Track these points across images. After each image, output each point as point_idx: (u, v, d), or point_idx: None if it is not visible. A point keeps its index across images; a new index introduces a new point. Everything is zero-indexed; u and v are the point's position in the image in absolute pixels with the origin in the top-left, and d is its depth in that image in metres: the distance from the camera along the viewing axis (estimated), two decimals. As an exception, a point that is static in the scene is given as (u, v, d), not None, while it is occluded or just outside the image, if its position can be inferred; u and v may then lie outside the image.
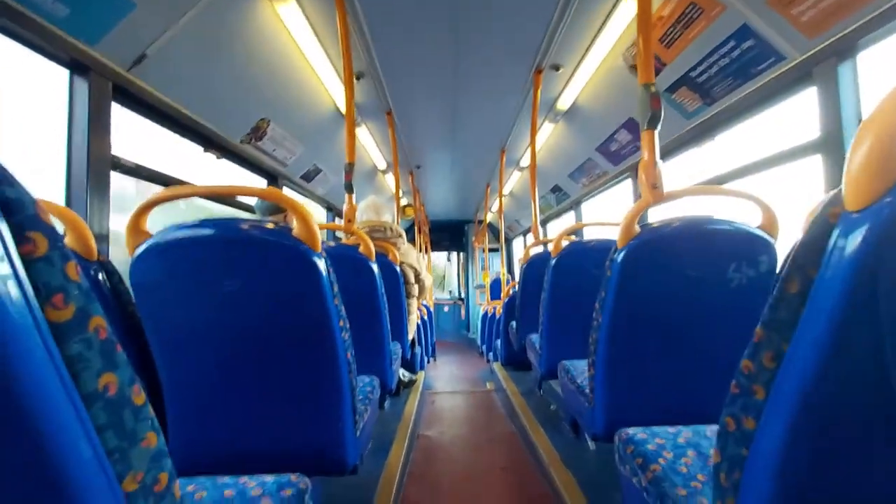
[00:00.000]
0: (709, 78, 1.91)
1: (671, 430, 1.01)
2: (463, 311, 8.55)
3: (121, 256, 1.08)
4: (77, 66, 1.42)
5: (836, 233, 0.41)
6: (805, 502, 0.48)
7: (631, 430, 1.02)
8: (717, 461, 0.57)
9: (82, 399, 0.35)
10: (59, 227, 0.99)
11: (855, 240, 0.39)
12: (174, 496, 0.45)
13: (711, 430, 1.00)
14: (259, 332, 0.98)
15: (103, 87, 1.48)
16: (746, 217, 1.13)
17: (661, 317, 1.18)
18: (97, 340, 0.36)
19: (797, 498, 0.48)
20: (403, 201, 6.02)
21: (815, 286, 0.43)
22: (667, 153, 2.44)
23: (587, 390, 1.36)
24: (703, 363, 1.17)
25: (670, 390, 1.22)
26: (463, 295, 8.68)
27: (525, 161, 4.34)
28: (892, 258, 0.38)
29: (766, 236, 1.07)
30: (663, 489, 0.81)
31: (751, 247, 1.08)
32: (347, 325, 1.07)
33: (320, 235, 0.97)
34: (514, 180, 5.23)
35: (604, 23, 2.15)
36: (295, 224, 0.95)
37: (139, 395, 0.41)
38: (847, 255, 0.40)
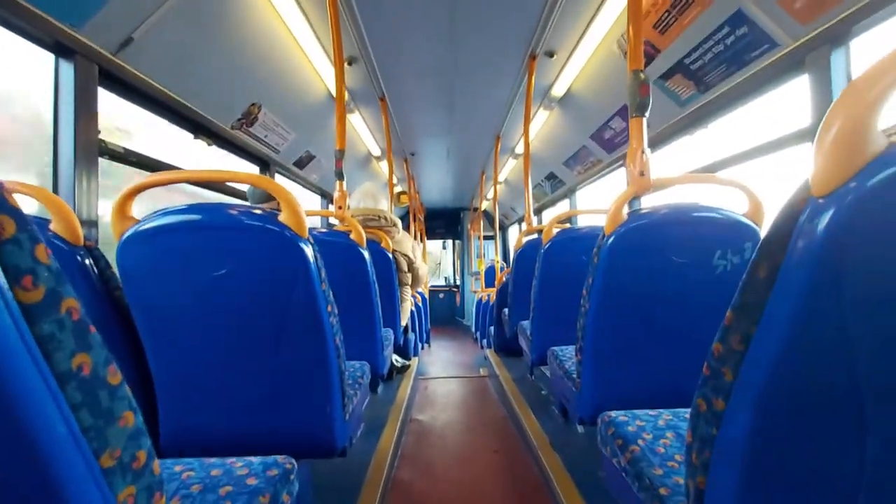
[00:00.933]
0: (703, 65, 1.91)
1: (652, 413, 1.03)
2: (458, 298, 8.59)
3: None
4: (62, 49, 1.40)
5: (802, 218, 0.42)
6: (771, 481, 0.49)
7: (613, 414, 1.04)
8: (690, 441, 0.59)
9: (56, 378, 0.35)
10: (45, 213, 0.98)
11: (819, 225, 0.40)
12: (153, 473, 0.46)
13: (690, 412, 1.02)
14: (247, 316, 0.99)
15: (89, 71, 1.46)
16: (740, 205, 1.14)
17: (647, 303, 1.19)
18: (70, 321, 0.37)
19: (763, 477, 0.49)
20: (398, 188, 6.00)
21: (781, 271, 0.44)
22: (661, 141, 2.44)
23: (575, 375, 1.39)
24: (688, 348, 1.19)
25: (655, 375, 1.24)
26: (458, 282, 8.71)
27: (520, 148, 4.33)
28: (855, 243, 0.39)
29: (751, 224, 1.08)
30: (640, 468, 0.83)
31: (736, 234, 1.09)
32: (336, 311, 1.08)
33: (313, 222, 0.97)
34: (508, 168, 5.22)
35: (598, 9, 2.13)
36: (282, 210, 0.95)
37: (115, 376, 0.41)
38: (811, 241, 0.40)
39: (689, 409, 1.04)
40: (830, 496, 0.48)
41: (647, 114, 1.29)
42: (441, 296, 8.68)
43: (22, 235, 0.34)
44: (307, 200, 3.98)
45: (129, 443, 0.42)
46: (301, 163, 3.32)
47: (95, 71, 1.48)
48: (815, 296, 0.41)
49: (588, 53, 2.49)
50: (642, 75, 1.28)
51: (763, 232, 1.10)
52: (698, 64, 1.92)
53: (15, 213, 0.34)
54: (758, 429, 0.48)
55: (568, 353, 1.67)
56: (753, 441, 0.49)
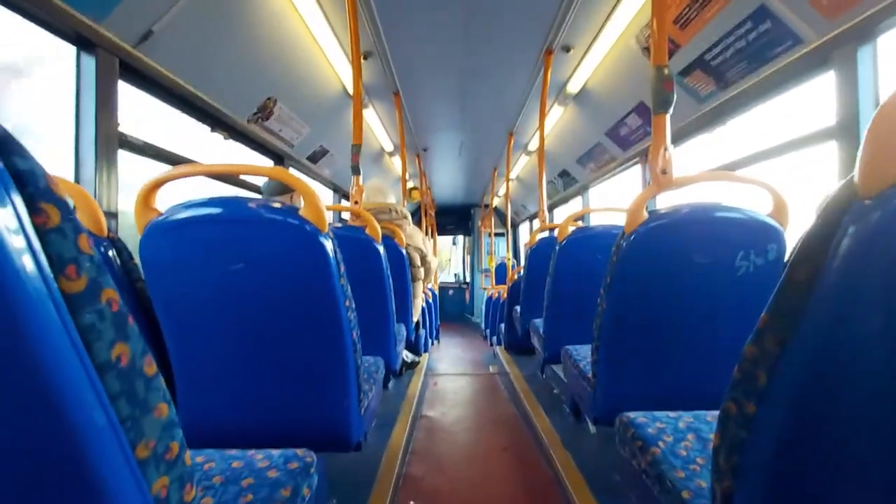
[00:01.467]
0: (724, 61, 1.87)
1: (672, 414, 1.02)
2: (467, 295, 8.58)
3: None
4: (84, 42, 1.41)
5: (846, 220, 0.41)
6: (803, 489, 0.48)
7: (632, 415, 1.03)
8: (717, 444, 0.58)
9: (95, 368, 0.35)
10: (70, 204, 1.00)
11: (865, 227, 0.38)
12: (185, 464, 0.46)
13: (712, 415, 1.01)
14: (266, 310, 1.00)
15: (110, 63, 1.48)
16: (761, 205, 1.12)
17: (666, 304, 1.18)
18: (109, 312, 0.37)
19: (795, 484, 0.48)
20: (410, 184, 6.00)
21: (823, 274, 0.43)
22: (678, 138, 2.41)
23: (589, 375, 1.38)
24: (707, 350, 1.17)
25: (673, 376, 1.23)
26: (468, 279, 8.70)
27: (533, 145, 4.30)
28: None
29: (775, 224, 1.06)
30: (662, 471, 0.82)
31: (760, 235, 1.07)
32: (353, 306, 1.08)
33: (328, 217, 0.98)
34: (521, 164, 5.19)
35: (616, 3, 2.10)
36: (302, 204, 0.95)
37: (150, 366, 0.42)
38: (856, 243, 0.39)
39: (709, 412, 1.04)
40: None
41: (670, 110, 1.27)
42: (451, 292, 8.69)
43: (66, 225, 0.34)
44: (320, 195, 4.00)
45: (163, 434, 0.43)
46: (314, 157, 3.33)
47: (116, 64, 1.50)
48: (858, 300, 0.40)
49: (605, 49, 2.46)
50: (666, 70, 1.25)
51: (787, 233, 1.08)
52: (719, 60, 1.88)
53: (60, 202, 0.34)
54: (792, 434, 0.47)
55: (582, 352, 1.66)
56: (786, 447, 0.48)
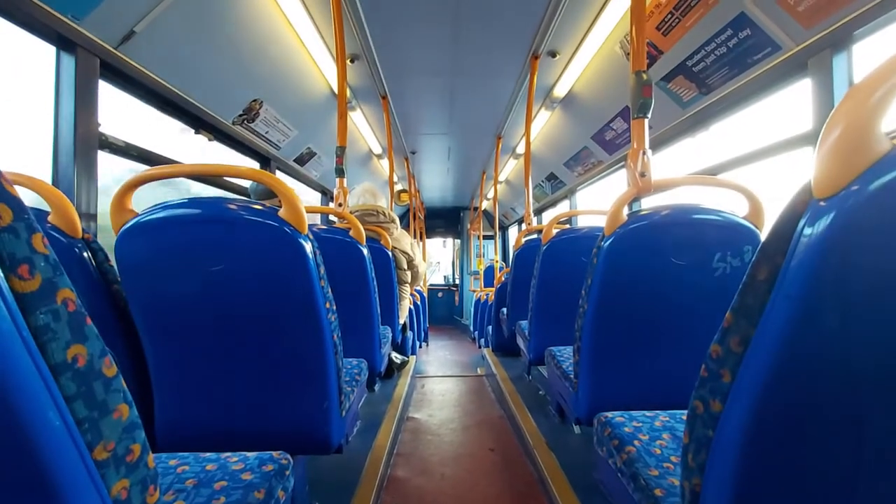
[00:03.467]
0: (705, 67, 1.90)
1: (649, 414, 1.03)
2: (457, 298, 8.59)
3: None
4: (63, 42, 1.39)
5: (802, 221, 0.42)
6: (767, 484, 0.49)
7: (610, 414, 1.04)
8: (686, 442, 0.59)
9: (50, 369, 0.35)
10: (44, 205, 0.98)
11: (820, 227, 0.40)
12: (147, 466, 0.45)
13: (687, 414, 1.02)
14: (245, 312, 0.99)
15: (90, 64, 1.46)
16: (741, 208, 1.14)
17: (646, 304, 1.19)
18: (65, 312, 0.37)
19: (759, 479, 0.49)
20: (398, 187, 6.00)
21: (782, 273, 0.44)
22: (662, 142, 2.44)
23: (572, 375, 1.38)
24: (686, 350, 1.19)
25: (653, 377, 1.24)
26: (457, 281, 8.71)
27: (521, 148, 4.33)
28: (856, 246, 0.39)
29: (751, 226, 1.08)
30: (636, 469, 0.83)
31: (736, 236, 1.08)
32: (334, 308, 1.08)
33: (313, 219, 0.97)
34: (509, 168, 5.22)
35: (601, 10, 2.13)
36: (282, 206, 0.95)
37: (110, 368, 0.41)
38: (812, 243, 0.40)
39: (685, 411, 1.05)
40: (827, 500, 0.48)
41: (649, 115, 1.28)
42: (440, 294, 8.68)
43: (19, 224, 0.34)
44: (308, 197, 3.98)
45: (124, 435, 0.42)
46: (302, 160, 3.31)
47: (97, 64, 1.48)
48: (815, 299, 0.41)
49: (591, 54, 2.49)
50: (645, 76, 1.27)
51: (763, 235, 1.10)
52: (700, 66, 1.92)
53: (13, 201, 0.34)
54: (755, 431, 0.48)
55: (565, 354, 1.67)
56: (750, 443, 0.48)
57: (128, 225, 0.92)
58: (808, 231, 0.41)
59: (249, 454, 0.85)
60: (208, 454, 0.85)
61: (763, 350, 0.46)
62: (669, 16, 1.87)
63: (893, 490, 0.46)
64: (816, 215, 0.40)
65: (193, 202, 0.93)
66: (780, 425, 0.47)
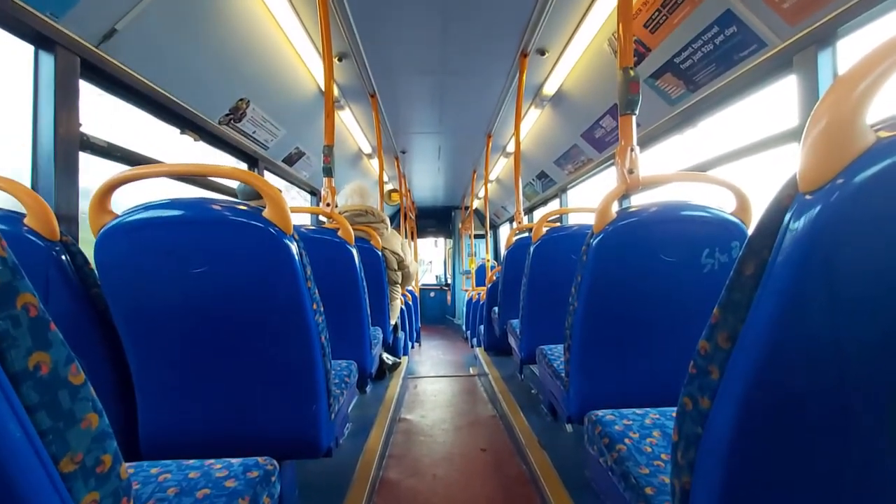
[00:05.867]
0: (692, 64, 1.91)
1: (639, 411, 1.03)
2: (449, 297, 8.58)
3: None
4: (42, 40, 1.36)
5: (788, 215, 0.41)
6: (756, 481, 0.49)
7: (600, 412, 1.04)
8: (676, 440, 0.58)
9: (9, 378, 0.33)
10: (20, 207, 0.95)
11: (806, 221, 0.39)
12: (119, 478, 0.44)
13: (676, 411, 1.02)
14: (229, 314, 0.97)
15: (70, 63, 1.43)
16: (729, 204, 1.14)
17: (635, 301, 1.19)
18: (26, 318, 0.35)
19: (748, 476, 0.49)
20: (389, 186, 5.97)
21: (768, 268, 0.43)
22: (651, 140, 2.45)
23: (563, 374, 1.38)
24: (675, 347, 1.19)
25: (643, 374, 1.24)
26: (449, 281, 8.70)
27: (511, 147, 4.34)
28: (842, 240, 0.38)
29: (738, 222, 1.08)
30: (627, 468, 0.82)
31: (724, 232, 1.09)
32: (321, 309, 1.06)
33: (303, 219, 0.96)
34: (500, 166, 5.22)
35: (589, 7, 2.13)
36: (266, 206, 0.93)
37: (77, 375, 0.40)
38: (798, 237, 0.40)
39: (674, 408, 1.05)
40: (815, 495, 0.47)
41: (636, 111, 1.28)
42: (432, 294, 8.67)
43: None
44: (297, 198, 3.95)
45: (93, 446, 0.40)
46: (290, 160, 3.28)
47: (77, 63, 1.44)
48: (802, 293, 0.41)
49: (579, 52, 2.49)
50: (632, 72, 1.27)
51: (750, 230, 1.10)
52: (688, 63, 1.92)
53: None
54: (743, 428, 0.47)
55: (556, 352, 1.67)
56: (739, 440, 0.48)
57: (107, 227, 0.90)
58: (794, 225, 0.41)
59: (234, 461, 0.83)
60: (191, 461, 0.83)
61: (750, 345, 0.46)
62: (657, 13, 1.87)
63: (881, 485, 0.46)
64: (802, 209, 0.40)
65: (175, 202, 0.91)
66: (768, 421, 0.47)
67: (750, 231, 0.48)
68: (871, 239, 0.37)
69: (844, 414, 0.44)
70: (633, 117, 1.28)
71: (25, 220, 0.93)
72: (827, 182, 0.38)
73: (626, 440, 0.90)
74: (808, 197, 0.40)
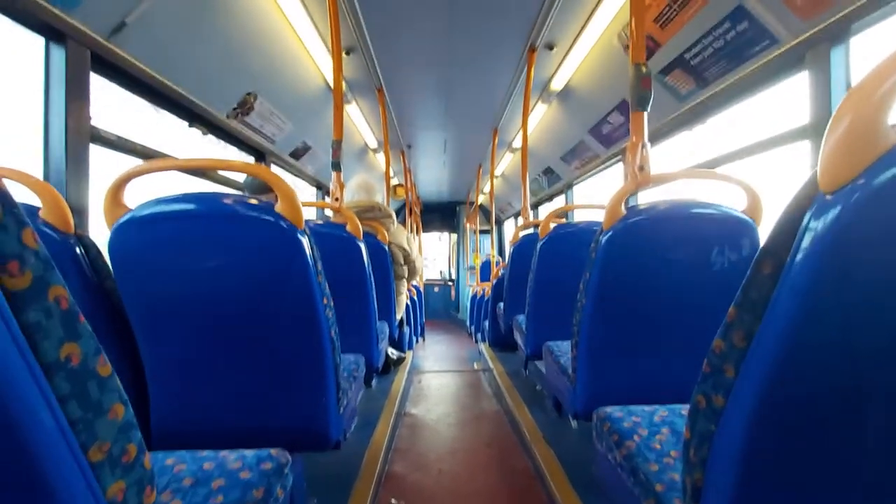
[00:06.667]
0: (702, 60, 1.89)
1: (648, 408, 1.03)
2: (453, 293, 8.59)
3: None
4: (53, 33, 1.36)
5: (808, 214, 0.41)
6: (769, 479, 0.49)
7: (609, 409, 1.04)
8: (688, 438, 0.59)
9: (42, 368, 0.34)
10: (36, 201, 0.96)
11: (826, 221, 0.39)
12: (144, 466, 0.45)
13: (687, 409, 1.02)
14: (241, 308, 0.98)
15: (81, 56, 1.43)
16: (738, 202, 1.14)
17: (644, 299, 1.19)
18: (58, 310, 0.36)
19: (762, 475, 0.49)
20: (394, 181, 5.97)
21: (787, 268, 0.43)
22: (660, 136, 2.43)
23: (570, 370, 1.38)
24: (684, 345, 1.19)
25: (651, 371, 1.24)
26: (454, 276, 8.71)
27: (517, 142, 4.32)
28: (862, 240, 0.38)
29: (749, 220, 1.08)
30: (636, 464, 0.83)
31: (734, 230, 1.08)
32: (331, 304, 1.07)
33: (309, 214, 0.96)
34: (506, 162, 5.20)
35: (599, 2, 2.11)
36: (278, 200, 0.93)
37: (105, 367, 0.40)
38: (818, 237, 0.40)
39: (685, 405, 1.05)
40: (830, 495, 0.48)
41: (648, 108, 1.28)
42: (436, 289, 8.68)
43: (8, 219, 0.33)
44: (303, 192, 3.95)
45: (119, 436, 0.41)
46: (297, 154, 3.28)
47: (88, 56, 1.45)
48: (820, 293, 0.41)
49: (588, 47, 2.47)
50: (644, 68, 1.26)
51: (761, 229, 1.10)
52: (698, 59, 1.91)
53: (1, 195, 0.32)
54: (758, 426, 0.48)
55: (563, 348, 1.67)
56: (753, 439, 0.48)
57: (121, 220, 0.91)
58: (813, 225, 0.40)
59: (247, 452, 0.84)
60: (205, 452, 0.84)
61: (767, 344, 0.46)
62: (667, 8, 1.86)
63: (894, 486, 0.46)
64: (822, 209, 0.40)
65: (188, 197, 0.92)
66: (783, 420, 0.47)
67: (762, 229, 0.48)
68: (892, 240, 0.37)
69: (859, 414, 0.44)
70: (645, 114, 1.28)
71: (40, 214, 0.94)
72: (848, 182, 0.38)
73: (636, 437, 0.90)
74: (828, 197, 0.39)
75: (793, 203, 0.45)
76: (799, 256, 0.42)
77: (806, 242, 0.41)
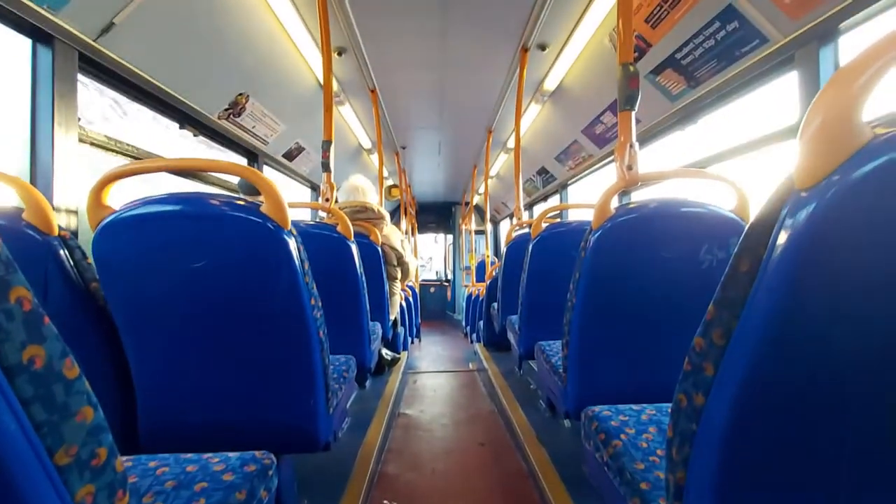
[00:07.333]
0: (693, 60, 1.90)
1: (636, 407, 1.03)
2: (449, 293, 8.59)
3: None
4: (40, 34, 1.35)
5: (784, 212, 0.41)
6: (750, 477, 0.49)
7: (597, 408, 1.04)
8: (670, 436, 0.58)
9: (3, 371, 0.33)
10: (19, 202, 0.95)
11: (801, 218, 0.39)
12: (115, 470, 0.44)
13: None
14: (228, 309, 0.97)
15: (69, 57, 1.42)
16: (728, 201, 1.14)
17: (633, 298, 1.19)
18: (20, 311, 0.35)
19: (742, 473, 0.49)
20: (389, 182, 5.96)
21: (763, 265, 0.43)
22: (652, 136, 2.44)
23: (561, 370, 1.38)
24: (673, 343, 1.18)
25: (641, 370, 1.24)
26: (449, 276, 8.71)
27: (512, 142, 4.33)
28: (837, 237, 0.38)
29: (737, 219, 1.08)
30: (622, 463, 0.82)
31: (722, 229, 1.08)
32: (319, 304, 1.06)
33: (303, 214, 0.96)
34: (500, 162, 5.21)
35: (590, 2, 2.12)
36: (264, 201, 0.93)
37: (72, 369, 0.40)
38: (793, 234, 0.40)
39: (671, 404, 1.05)
40: (809, 492, 0.48)
41: (636, 107, 1.28)
42: (432, 290, 8.68)
43: None
44: (297, 193, 3.94)
45: (88, 439, 0.41)
46: (290, 155, 3.27)
47: (75, 57, 1.44)
48: (797, 290, 0.41)
49: (580, 47, 2.48)
50: (632, 68, 1.27)
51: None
52: (689, 59, 1.91)
53: None
54: (737, 424, 0.48)
55: (555, 348, 1.67)
56: (732, 436, 0.48)
57: (105, 221, 0.90)
58: (789, 222, 0.40)
59: (231, 454, 0.83)
60: (189, 455, 0.83)
61: (745, 343, 0.46)
62: (658, 8, 1.86)
63: (874, 481, 0.46)
64: (797, 206, 0.40)
65: (173, 197, 0.91)
66: (762, 418, 0.47)
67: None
68: (867, 236, 0.37)
69: (838, 411, 0.44)
70: (633, 113, 1.28)
71: (24, 215, 0.93)
72: (822, 179, 0.38)
73: (623, 436, 0.90)
74: (803, 194, 0.39)
75: (770, 200, 0.45)
76: (775, 254, 0.42)
77: (781, 239, 0.41)
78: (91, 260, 0.98)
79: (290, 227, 0.94)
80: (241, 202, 0.93)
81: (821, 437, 0.46)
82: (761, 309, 0.43)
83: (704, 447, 0.52)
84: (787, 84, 1.60)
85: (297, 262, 0.94)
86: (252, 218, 0.90)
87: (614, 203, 1.15)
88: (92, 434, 0.41)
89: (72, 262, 0.98)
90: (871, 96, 0.37)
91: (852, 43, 1.37)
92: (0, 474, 0.33)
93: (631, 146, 1.25)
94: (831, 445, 0.46)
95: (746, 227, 0.47)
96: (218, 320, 0.98)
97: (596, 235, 1.13)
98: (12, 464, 0.33)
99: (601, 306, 1.20)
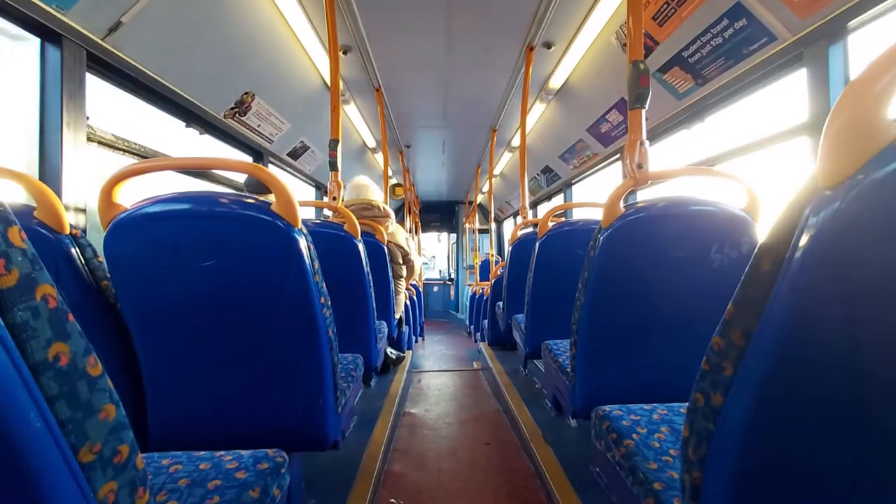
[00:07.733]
0: (701, 58, 1.89)
1: (646, 407, 1.03)
2: (452, 292, 8.59)
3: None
4: (49, 33, 1.36)
5: (807, 211, 0.41)
6: (768, 478, 0.49)
7: (607, 408, 1.04)
8: (686, 436, 0.58)
9: (30, 368, 0.33)
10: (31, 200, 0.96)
11: (825, 218, 0.39)
12: (136, 467, 0.44)
13: (685, 407, 1.02)
14: (238, 307, 0.97)
15: (77, 55, 1.43)
16: (737, 200, 1.13)
17: (642, 297, 1.18)
18: (45, 309, 0.35)
19: (760, 473, 0.49)
20: (393, 181, 5.96)
21: (785, 265, 0.43)
22: (659, 134, 2.43)
23: (568, 369, 1.38)
24: (683, 343, 1.19)
25: (650, 370, 1.24)
26: (453, 275, 8.71)
27: (516, 141, 4.32)
28: (861, 236, 0.38)
29: (747, 217, 1.08)
30: (635, 463, 0.82)
31: (733, 228, 1.08)
32: (329, 303, 1.06)
33: (308, 213, 0.96)
34: (504, 161, 5.20)
35: (596, 0, 2.11)
36: (274, 200, 0.93)
37: (95, 367, 0.40)
38: (817, 233, 0.39)
39: (683, 404, 1.05)
40: (828, 493, 0.47)
41: (646, 105, 1.27)
42: (436, 289, 8.68)
43: None
44: (302, 192, 3.95)
45: (111, 436, 0.41)
46: (295, 153, 3.28)
47: (83, 56, 1.45)
48: (819, 290, 0.40)
49: (586, 45, 2.47)
50: (642, 66, 1.26)
51: (759, 226, 1.09)
52: (696, 57, 1.90)
53: None
54: (756, 424, 0.47)
55: (562, 347, 1.67)
56: (751, 437, 0.48)
57: (116, 220, 0.90)
58: (812, 221, 0.40)
59: (244, 452, 0.83)
60: (202, 453, 0.83)
61: (766, 342, 0.45)
62: (665, 6, 1.85)
63: (894, 486, 0.46)
64: (821, 205, 0.39)
65: (184, 196, 0.91)
66: (781, 418, 0.47)
67: (761, 227, 0.47)
68: (891, 236, 0.37)
69: (860, 412, 0.43)
70: (643, 111, 1.27)
71: (35, 213, 0.93)
72: (847, 178, 0.37)
73: (634, 435, 0.90)
74: (827, 193, 0.39)
75: (792, 199, 0.44)
76: (798, 253, 0.41)
77: (805, 239, 0.41)
78: (102, 258, 0.99)
79: (300, 225, 0.94)
80: (251, 201, 0.93)
81: (841, 437, 0.45)
82: (783, 309, 0.43)
83: (722, 447, 0.52)
84: (794, 82, 1.60)
85: (307, 260, 0.94)
86: (263, 216, 0.91)
87: (622, 202, 1.14)
88: (114, 431, 0.41)
89: (83, 261, 0.99)
90: None
91: (863, 41, 1.36)
92: (26, 472, 0.33)
93: (641, 144, 1.24)
94: (852, 446, 0.45)
95: (763, 226, 0.47)
96: (228, 318, 0.98)
97: (605, 234, 1.12)
98: (38, 462, 0.34)
99: (610, 305, 1.20)
